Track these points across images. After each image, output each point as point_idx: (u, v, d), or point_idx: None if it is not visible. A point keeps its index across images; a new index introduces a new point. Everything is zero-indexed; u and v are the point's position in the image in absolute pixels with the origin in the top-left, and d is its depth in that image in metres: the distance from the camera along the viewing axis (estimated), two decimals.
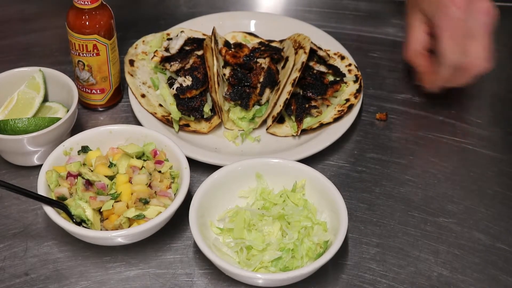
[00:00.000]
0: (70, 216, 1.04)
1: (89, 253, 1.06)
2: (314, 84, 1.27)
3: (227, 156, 1.20)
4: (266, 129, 1.26)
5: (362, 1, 1.62)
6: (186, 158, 1.10)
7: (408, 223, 1.12)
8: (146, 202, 1.05)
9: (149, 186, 1.08)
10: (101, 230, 1.05)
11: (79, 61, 1.23)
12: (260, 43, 1.36)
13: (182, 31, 1.36)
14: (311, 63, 1.33)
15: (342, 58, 1.38)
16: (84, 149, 1.13)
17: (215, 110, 1.26)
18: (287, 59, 1.29)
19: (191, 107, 1.25)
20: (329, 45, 1.41)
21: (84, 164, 1.11)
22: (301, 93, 1.27)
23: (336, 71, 1.33)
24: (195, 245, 1.06)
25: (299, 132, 1.24)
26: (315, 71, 1.31)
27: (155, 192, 1.07)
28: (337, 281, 1.04)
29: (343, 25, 1.55)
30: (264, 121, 1.28)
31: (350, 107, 1.28)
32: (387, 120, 1.31)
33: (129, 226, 1.04)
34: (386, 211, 1.14)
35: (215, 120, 1.27)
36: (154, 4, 1.61)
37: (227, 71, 1.29)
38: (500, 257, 1.08)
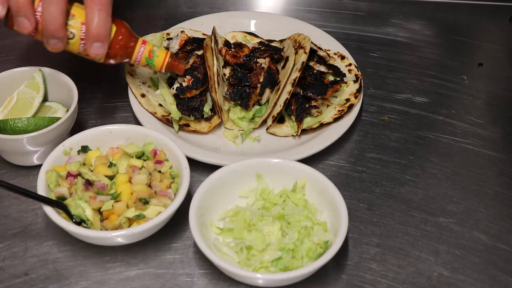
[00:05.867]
0: (70, 216, 1.04)
1: (89, 253, 1.06)
2: (314, 84, 1.27)
3: (227, 156, 1.20)
4: (266, 129, 1.26)
5: (362, 1, 1.62)
6: (186, 158, 1.10)
7: (408, 223, 1.12)
8: (146, 202, 1.05)
9: (149, 186, 1.08)
10: (101, 230, 1.05)
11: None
12: (260, 43, 1.36)
13: (182, 31, 1.36)
14: (311, 63, 1.33)
15: (342, 58, 1.38)
16: (84, 149, 1.13)
17: (215, 110, 1.26)
18: (287, 59, 1.29)
19: (191, 107, 1.25)
20: (329, 45, 1.41)
21: (84, 164, 1.11)
22: (301, 93, 1.27)
23: (336, 71, 1.33)
24: (195, 245, 1.06)
25: (299, 132, 1.24)
26: (315, 71, 1.31)
27: (155, 192, 1.07)
28: (337, 281, 1.04)
29: (343, 25, 1.55)
30: (264, 121, 1.27)
31: (350, 107, 1.27)
32: (387, 120, 1.31)
33: (129, 226, 1.04)
34: (386, 211, 1.14)
35: (215, 120, 1.27)
36: (154, 4, 1.61)
37: (227, 71, 1.29)
38: (501, 257, 1.08)
